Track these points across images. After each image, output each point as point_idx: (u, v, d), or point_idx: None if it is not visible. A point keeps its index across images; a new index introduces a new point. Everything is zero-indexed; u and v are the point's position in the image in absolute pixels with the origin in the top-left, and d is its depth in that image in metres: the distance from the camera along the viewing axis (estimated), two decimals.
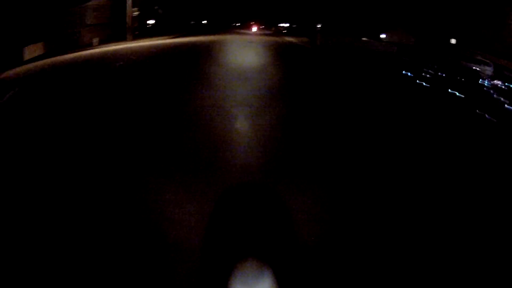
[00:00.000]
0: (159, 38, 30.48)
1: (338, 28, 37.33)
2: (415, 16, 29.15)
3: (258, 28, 64.82)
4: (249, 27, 64.81)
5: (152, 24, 45.72)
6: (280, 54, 22.03)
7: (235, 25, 75.14)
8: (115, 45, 23.93)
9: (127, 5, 26.56)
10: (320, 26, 46.02)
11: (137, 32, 40.98)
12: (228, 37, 34.59)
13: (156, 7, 33.75)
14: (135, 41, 26.31)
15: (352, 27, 34.49)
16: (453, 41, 25.85)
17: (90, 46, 23.60)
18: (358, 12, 35.43)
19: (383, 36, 32.05)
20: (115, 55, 19.55)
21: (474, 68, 15.88)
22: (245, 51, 22.25)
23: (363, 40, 30.00)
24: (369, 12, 33.99)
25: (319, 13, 43.89)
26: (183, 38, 31.00)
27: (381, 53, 25.29)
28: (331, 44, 28.04)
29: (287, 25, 61.91)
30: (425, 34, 27.85)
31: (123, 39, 27.35)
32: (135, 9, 26.29)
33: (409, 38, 28.95)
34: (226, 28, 62.89)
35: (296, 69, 17.71)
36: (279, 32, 51.86)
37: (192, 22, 65.59)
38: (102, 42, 25.36)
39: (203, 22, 73.63)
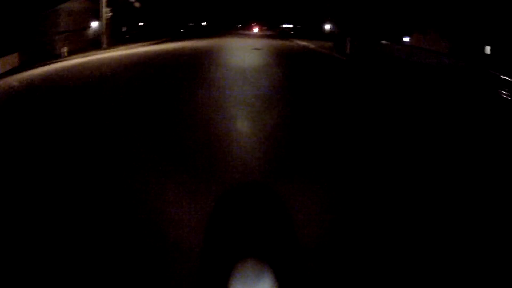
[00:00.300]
0: (143, 44, 24.79)
1: (351, 29, 31.48)
2: (451, 16, 22.67)
3: (261, 29, 59.92)
4: (251, 28, 60.01)
5: (141, 27, 40.59)
6: (311, 75, 12.98)
7: (236, 26, 69.99)
8: (81, 57, 18.37)
9: (101, 6, 20.97)
10: (330, 27, 40.35)
11: (127, 36, 35.83)
12: (227, 42, 27.09)
13: (133, 0, 27.53)
14: (110, 50, 20.70)
15: (368, 28, 28.44)
16: (487, 49, 19.45)
17: (59, 57, 18.28)
18: (376, 10, 29.15)
19: (406, 39, 25.61)
20: (52, 80, 13.42)
21: None
22: (252, 67, 14.08)
23: (400, 47, 22.13)
24: (389, 10, 27.61)
25: (329, 13, 38.08)
26: (172, 44, 24.78)
27: (438, 68, 15.53)
28: (365, 52, 19.70)
29: (290, 26, 56.09)
30: (463, 40, 21.45)
31: (99, 46, 21.90)
32: (108, 9, 20.69)
33: (441, 43, 22.18)
34: (226, 30, 57.85)
35: (355, 114, 8.50)
36: (284, 34, 45.56)
37: (190, 24, 60.86)
38: (76, 51, 19.98)
39: (202, 23, 68.84)
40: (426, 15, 23.63)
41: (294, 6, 51.35)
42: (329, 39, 29.51)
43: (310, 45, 26.66)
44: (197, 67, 14.48)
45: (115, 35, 32.14)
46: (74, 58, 18.03)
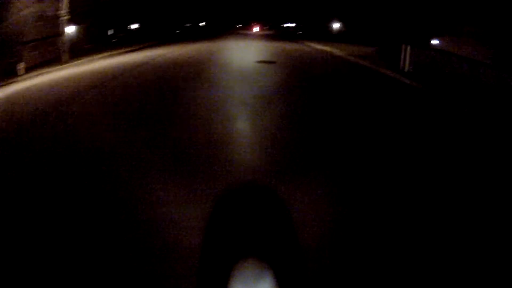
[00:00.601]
0: (119, 52, 19.23)
1: (364, 29, 25.84)
2: (493, 18, 16.07)
3: (261, 29, 54.83)
4: (251, 28, 54.78)
5: (131, 29, 35.24)
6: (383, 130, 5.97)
7: (236, 26, 64.59)
8: (28, 79, 12.82)
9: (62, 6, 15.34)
10: (339, 26, 34.67)
11: (114, 40, 30.56)
12: (223, 49, 20.10)
13: None
14: (70, 64, 15.12)
15: (385, 28, 22.61)
16: None
17: (12, 76, 12.87)
18: (395, 6, 23.10)
19: (435, 42, 19.23)
20: None
21: None
22: (264, 108, 7.29)
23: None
24: (413, 7, 21.50)
25: (337, 10, 32.44)
26: (151, 52, 18.46)
27: None
28: (428, 67, 10.80)
29: (293, 25, 50.54)
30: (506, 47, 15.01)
31: (76, 54, 16.40)
32: (64, 11, 15.02)
33: (480, 49, 15.22)
34: (225, 30, 52.61)
35: None
36: (288, 34, 39.72)
37: (187, 25, 55.55)
38: (40, 65, 14.71)
39: (200, 24, 63.47)
40: (461, 14, 17.28)
41: (296, 3, 45.62)
42: (342, 40, 23.65)
43: (335, 51, 18.10)
44: (172, 102, 7.82)
45: (99, 40, 26.91)
46: (19, 81, 12.53)
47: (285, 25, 53.63)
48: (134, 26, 36.80)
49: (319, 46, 19.90)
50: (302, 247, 3.05)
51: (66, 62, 15.41)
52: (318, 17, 37.55)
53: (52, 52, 16.81)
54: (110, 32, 31.52)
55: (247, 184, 4.29)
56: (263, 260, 2.83)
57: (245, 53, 17.11)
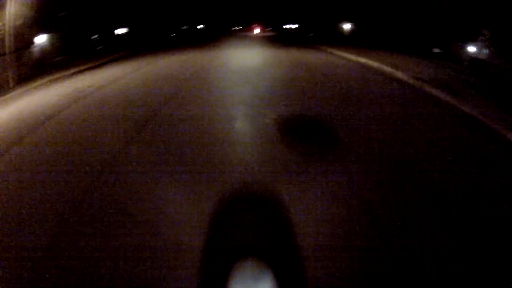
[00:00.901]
0: (79, 68, 14.99)
1: (384, 31, 21.66)
2: None
3: (263, 30, 50.99)
4: (252, 30, 51.00)
5: (122, 35, 31.15)
6: None
7: (236, 28, 60.54)
8: None
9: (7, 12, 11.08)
10: (350, 27, 30.51)
11: (100, 47, 26.52)
12: (219, 64, 13.81)
13: None
14: (16, 91, 10.83)
15: (400, 31, 18.34)
16: None
17: None
18: (416, 7, 18.76)
19: (472, 49, 13.80)
20: None
21: None
22: None
23: None
24: (442, 9, 17.13)
25: (348, 9, 28.31)
26: (112, 71, 13.68)
27: None
28: None
29: (296, 26, 46.62)
30: None
31: (24, 79, 12.21)
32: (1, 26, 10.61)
33: None
34: (225, 33, 48.78)
35: None
36: (295, 37, 35.39)
37: (184, 27, 51.57)
38: None
39: (198, 26, 59.41)
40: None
41: (299, 3, 41.43)
42: (362, 44, 19.35)
43: (387, 69, 11.00)
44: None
45: (79, 48, 22.93)
46: None
47: (286, 26, 49.58)
48: (123, 30, 32.75)
49: (345, 54, 14.71)
50: (302, 247, 2.91)
51: (13, 88, 11.14)
52: (325, 17, 33.47)
53: (21, 67, 12.91)
54: (94, 37, 27.54)
55: (247, 184, 4.11)
56: (263, 260, 2.72)
57: (249, 82, 9.30)
